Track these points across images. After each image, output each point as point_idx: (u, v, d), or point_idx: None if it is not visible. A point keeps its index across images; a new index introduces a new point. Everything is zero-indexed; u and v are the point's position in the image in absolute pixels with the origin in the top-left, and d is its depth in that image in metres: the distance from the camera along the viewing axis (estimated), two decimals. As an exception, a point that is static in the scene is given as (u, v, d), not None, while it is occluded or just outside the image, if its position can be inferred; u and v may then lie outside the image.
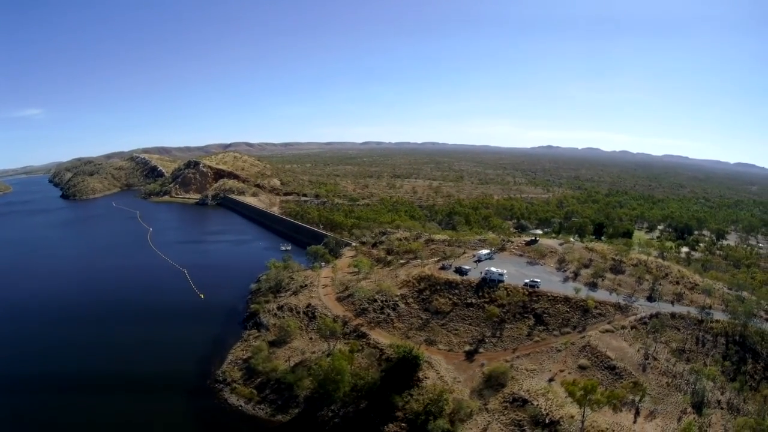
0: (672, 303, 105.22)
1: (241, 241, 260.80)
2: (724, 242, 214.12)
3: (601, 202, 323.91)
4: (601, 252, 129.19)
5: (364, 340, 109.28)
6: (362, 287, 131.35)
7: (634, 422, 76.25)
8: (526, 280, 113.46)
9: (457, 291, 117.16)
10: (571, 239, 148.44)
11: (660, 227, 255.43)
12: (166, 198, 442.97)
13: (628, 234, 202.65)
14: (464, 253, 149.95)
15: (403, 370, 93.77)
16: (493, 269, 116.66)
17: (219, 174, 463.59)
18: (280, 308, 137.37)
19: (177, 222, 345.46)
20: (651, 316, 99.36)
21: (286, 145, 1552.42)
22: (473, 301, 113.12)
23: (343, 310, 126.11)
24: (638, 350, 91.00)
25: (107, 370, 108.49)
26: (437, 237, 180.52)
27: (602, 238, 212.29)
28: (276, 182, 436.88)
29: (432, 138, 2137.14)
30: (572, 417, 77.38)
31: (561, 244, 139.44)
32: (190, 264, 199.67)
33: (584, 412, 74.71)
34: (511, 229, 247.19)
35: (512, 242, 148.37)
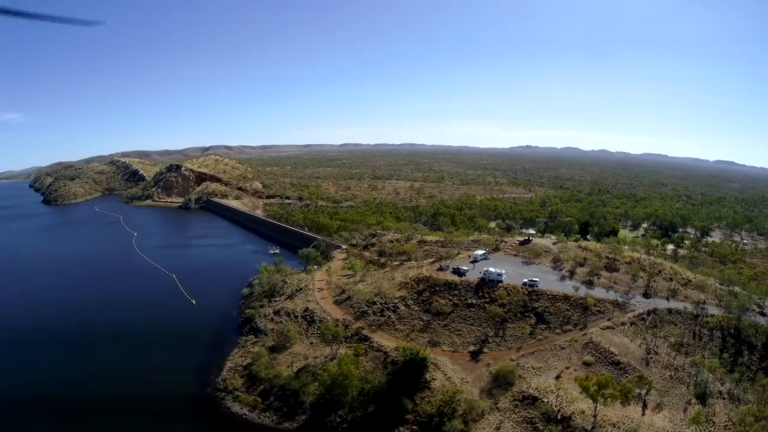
0: (667, 299, 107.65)
1: (228, 245, 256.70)
2: (709, 239, 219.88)
3: (584, 201, 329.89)
4: (594, 251, 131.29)
5: (367, 343, 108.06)
6: (360, 290, 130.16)
7: (643, 414, 77.53)
8: (525, 280, 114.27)
9: (456, 292, 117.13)
10: (565, 238, 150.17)
11: (644, 225, 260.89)
12: (149, 202, 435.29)
13: (613, 233, 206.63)
14: (458, 254, 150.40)
15: (410, 372, 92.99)
16: (492, 269, 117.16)
17: (201, 177, 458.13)
18: (276, 313, 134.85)
19: (161, 226, 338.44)
20: (649, 312, 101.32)
21: (264, 147, 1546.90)
22: (474, 301, 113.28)
23: (342, 313, 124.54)
24: (640, 345, 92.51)
25: (101, 382, 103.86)
26: (429, 238, 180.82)
27: (588, 237, 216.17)
28: (258, 185, 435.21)
29: (410, 139, 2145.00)
30: (583, 412, 78.20)
31: (555, 244, 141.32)
32: (178, 269, 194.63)
33: (597, 406, 75.33)
34: (497, 229, 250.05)
35: (506, 242, 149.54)
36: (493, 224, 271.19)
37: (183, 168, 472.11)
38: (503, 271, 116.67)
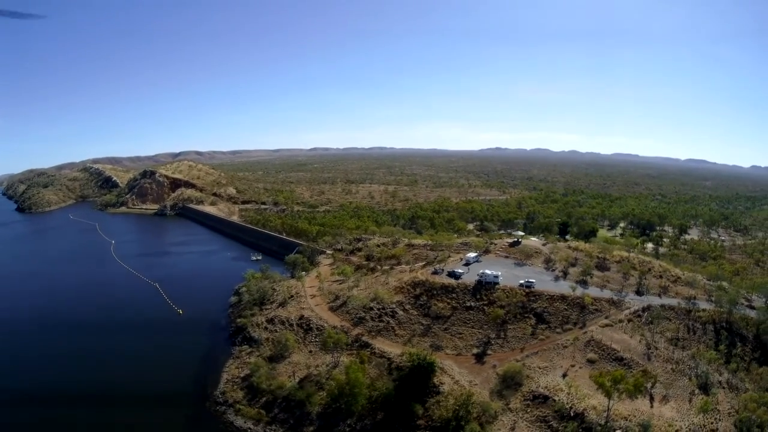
0: (659, 296, 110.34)
1: (208, 252, 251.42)
2: (687, 237, 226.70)
3: (560, 202, 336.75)
4: (584, 251, 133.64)
5: (368, 349, 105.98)
6: (356, 296, 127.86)
7: (651, 407, 79.24)
8: (521, 281, 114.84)
9: (454, 295, 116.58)
10: (556, 239, 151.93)
11: (622, 225, 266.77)
12: (123, 209, 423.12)
13: (593, 233, 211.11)
14: (449, 257, 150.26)
15: (418, 377, 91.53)
16: (488, 272, 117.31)
17: (175, 183, 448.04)
18: (270, 321, 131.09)
19: (138, 233, 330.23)
20: (644, 309, 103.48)
21: (234, 152, 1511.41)
22: (472, 304, 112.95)
23: (339, 320, 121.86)
24: (640, 341, 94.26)
25: (92, 395, 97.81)
26: (417, 242, 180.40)
27: (567, 237, 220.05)
28: (232, 191, 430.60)
29: (379, 143, 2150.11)
30: (594, 408, 79.01)
31: (544, 245, 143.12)
32: (160, 277, 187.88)
33: (610, 401, 76.46)
34: (475, 231, 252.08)
35: (495, 244, 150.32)
36: (470, 226, 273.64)
37: (157, 174, 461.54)
38: (499, 273, 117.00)
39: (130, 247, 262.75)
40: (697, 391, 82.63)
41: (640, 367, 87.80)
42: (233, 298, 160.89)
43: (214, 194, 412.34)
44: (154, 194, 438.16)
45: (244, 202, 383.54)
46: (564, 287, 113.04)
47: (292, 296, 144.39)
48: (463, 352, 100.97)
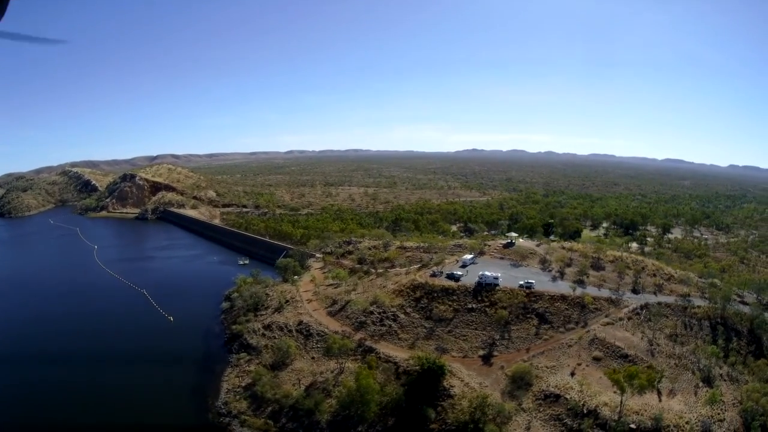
0: (655, 294, 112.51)
1: (193, 257, 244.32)
2: (671, 236, 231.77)
3: (541, 203, 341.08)
4: (579, 251, 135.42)
5: (373, 354, 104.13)
6: (356, 300, 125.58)
7: (660, 401, 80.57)
8: (521, 282, 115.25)
9: (455, 297, 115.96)
10: (549, 240, 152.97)
11: (604, 225, 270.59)
12: (104, 213, 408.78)
13: (577, 233, 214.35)
14: (444, 258, 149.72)
15: (428, 381, 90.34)
16: (488, 273, 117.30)
17: (155, 187, 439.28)
18: (267, 327, 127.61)
19: (120, 238, 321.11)
20: (642, 307, 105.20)
21: (211, 156, 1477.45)
22: (474, 305, 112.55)
23: (339, 325, 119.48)
24: (642, 338, 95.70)
25: (87, 412, 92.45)
26: (409, 244, 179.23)
27: (552, 237, 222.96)
28: (212, 194, 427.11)
29: (356, 145, 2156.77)
30: (606, 404, 79.88)
31: (539, 245, 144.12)
32: (147, 283, 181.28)
33: (623, 396, 77.92)
34: (459, 232, 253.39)
35: (489, 245, 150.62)
36: (454, 228, 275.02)
37: (137, 178, 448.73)
38: (499, 275, 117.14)
39: (113, 252, 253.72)
40: (701, 384, 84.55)
41: (645, 363, 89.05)
42: (225, 304, 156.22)
43: (195, 197, 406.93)
44: (134, 198, 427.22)
45: (224, 206, 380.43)
46: (563, 287, 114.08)
47: (287, 301, 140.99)
48: (469, 354, 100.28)
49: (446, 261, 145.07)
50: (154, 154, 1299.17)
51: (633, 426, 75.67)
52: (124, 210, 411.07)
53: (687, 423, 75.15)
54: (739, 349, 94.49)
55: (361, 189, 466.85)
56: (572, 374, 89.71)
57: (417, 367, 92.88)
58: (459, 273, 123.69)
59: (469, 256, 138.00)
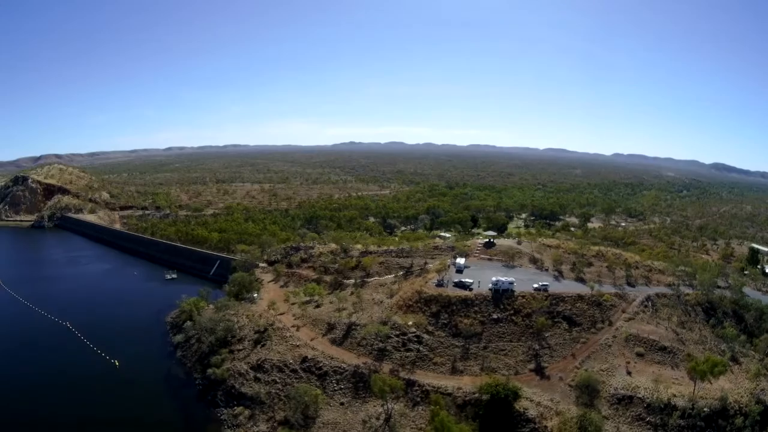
0: (647, 285, 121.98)
1: (108, 272, 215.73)
2: (590, 225, 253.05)
3: (448, 195, 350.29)
4: (563, 248, 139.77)
5: (417, 388, 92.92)
6: (365, 323, 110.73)
7: (711, 383, 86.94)
8: (535, 285, 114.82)
9: (476, 308, 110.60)
10: (524, 235, 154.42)
11: (523, 216, 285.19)
12: None
13: (504, 227, 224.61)
14: (426, 263, 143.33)
15: (500, 409, 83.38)
16: (502, 278, 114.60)
17: (49, 190, 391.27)
18: (258, 368, 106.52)
19: (19, 252, 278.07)
20: (646, 299, 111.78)
21: (93, 155, 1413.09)
22: (498, 315, 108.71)
23: (354, 356, 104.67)
24: (666, 329, 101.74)
25: None
26: (373, 248, 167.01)
27: (476, 231, 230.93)
28: (106, 195, 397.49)
29: (234, 140, 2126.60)
30: (675, 395, 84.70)
31: (519, 243, 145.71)
32: (67, 311, 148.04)
33: (695, 386, 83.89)
34: (424, 230, 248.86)
35: (469, 246, 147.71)
36: (370, 222, 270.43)
37: (30, 180, 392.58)
38: (513, 279, 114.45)
39: (15, 270, 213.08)
40: (730, 363, 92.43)
41: (683, 352, 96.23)
42: (178, 337, 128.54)
43: (91, 200, 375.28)
44: (27, 203, 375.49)
45: (122, 208, 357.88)
46: (572, 287, 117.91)
47: (265, 329, 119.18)
48: (520, 370, 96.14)
49: (432, 266, 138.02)
50: (38, 155, 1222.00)
51: (707, 410, 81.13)
52: (18, 217, 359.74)
53: (742, 397, 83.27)
54: (733, 329, 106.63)
55: (256, 185, 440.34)
56: (629, 373, 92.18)
57: (486, 396, 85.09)
58: (469, 280, 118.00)
59: (461, 260, 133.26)
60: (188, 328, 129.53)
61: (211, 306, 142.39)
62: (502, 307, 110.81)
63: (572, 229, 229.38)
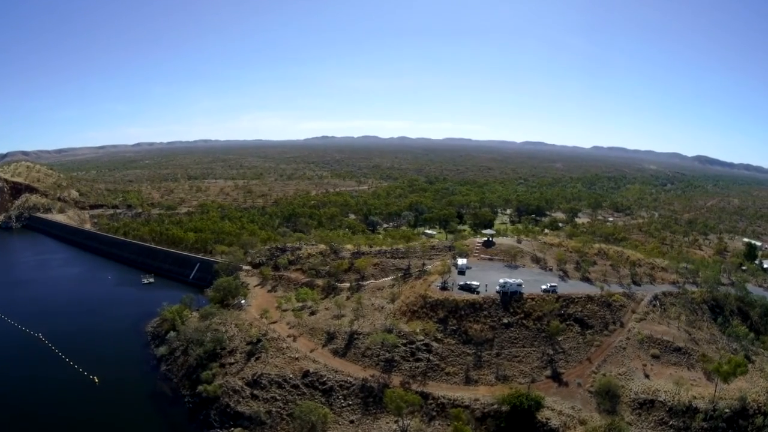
0: (651, 283, 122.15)
1: (80, 276, 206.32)
2: (578, 220, 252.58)
3: (429, 191, 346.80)
4: (564, 246, 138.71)
5: (431, 401, 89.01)
6: (372, 333, 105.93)
7: (727, 383, 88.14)
8: (543, 286, 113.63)
9: (485, 312, 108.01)
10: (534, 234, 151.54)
11: (508, 211, 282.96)
12: None
13: (491, 223, 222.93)
14: (424, 264, 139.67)
15: (522, 420, 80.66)
16: (510, 280, 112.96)
17: (16, 188, 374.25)
18: (254, 384, 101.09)
19: None
20: (654, 298, 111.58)
21: (60, 151, 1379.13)
22: (509, 320, 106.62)
23: (360, 368, 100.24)
24: (678, 329, 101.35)
25: None
26: (365, 248, 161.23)
27: (463, 227, 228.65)
28: (75, 194, 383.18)
29: (203, 135, 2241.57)
30: (695, 397, 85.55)
31: (519, 242, 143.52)
32: (38, 321, 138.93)
33: (716, 387, 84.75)
34: (367, 228, 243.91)
35: (468, 245, 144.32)
36: (352, 219, 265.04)
37: None
38: (522, 281, 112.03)
39: None
40: (744, 360, 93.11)
41: (697, 353, 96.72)
42: (161, 349, 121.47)
43: (60, 199, 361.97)
44: None
45: (92, 207, 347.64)
46: (580, 287, 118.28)
47: (258, 340, 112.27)
48: (536, 378, 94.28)
49: (432, 268, 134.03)
50: (4, 152, 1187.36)
51: (727, 411, 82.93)
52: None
53: (760, 396, 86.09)
54: (743, 327, 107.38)
55: (230, 182, 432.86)
56: (646, 376, 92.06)
57: (506, 407, 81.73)
58: (475, 283, 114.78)
59: (463, 261, 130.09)
60: (172, 339, 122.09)
61: (195, 314, 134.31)
62: (512, 310, 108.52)
63: (560, 224, 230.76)
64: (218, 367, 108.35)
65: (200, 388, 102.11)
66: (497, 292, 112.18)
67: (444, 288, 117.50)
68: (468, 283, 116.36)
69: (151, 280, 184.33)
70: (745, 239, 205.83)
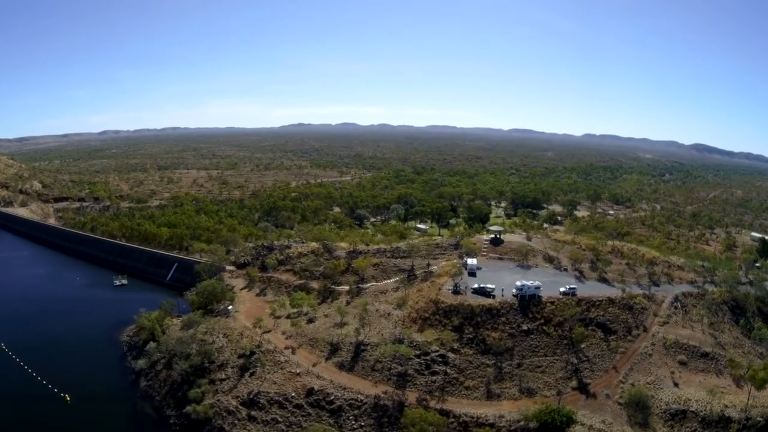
0: (669, 283, 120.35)
1: (46, 276, 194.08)
2: (577, 213, 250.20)
3: (417, 182, 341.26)
4: (575, 243, 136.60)
5: (453, 419, 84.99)
6: (381, 344, 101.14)
7: (759, 390, 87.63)
8: (562, 289, 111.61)
9: (503, 318, 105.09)
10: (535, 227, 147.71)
11: (502, 204, 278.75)
12: None
13: (486, 217, 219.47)
14: (429, 264, 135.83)
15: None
16: (528, 283, 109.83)
17: None
18: (251, 403, 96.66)
19: None
20: (675, 300, 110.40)
21: (21, 140, 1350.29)
22: (529, 326, 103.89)
23: (370, 384, 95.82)
24: (703, 332, 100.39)
25: None
26: (362, 247, 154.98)
27: (457, 221, 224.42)
28: (38, 185, 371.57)
29: (172, 123, 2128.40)
30: (727, 406, 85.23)
31: (529, 239, 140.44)
32: (1, 328, 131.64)
33: (750, 395, 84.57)
34: (352, 221, 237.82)
35: (474, 243, 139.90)
36: (337, 213, 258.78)
37: None
38: (540, 284, 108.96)
39: None
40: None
41: (724, 358, 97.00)
42: (140, 362, 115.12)
43: (22, 191, 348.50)
44: None
45: (56, 200, 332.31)
46: (598, 288, 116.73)
47: (252, 353, 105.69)
48: (562, 389, 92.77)
49: (438, 268, 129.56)
50: None
51: (760, 419, 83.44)
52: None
53: None
54: (760, 328, 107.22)
55: (203, 172, 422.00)
56: (676, 384, 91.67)
57: (534, 423, 78.34)
58: (490, 286, 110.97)
59: (473, 261, 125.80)
60: (152, 350, 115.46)
61: (177, 321, 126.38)
62: (531, 316, 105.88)
63: (559, 218, 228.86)
64: (207, 384, 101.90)
65: (188, 408, 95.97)
66: (514, 295, 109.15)
67: (456, 292, 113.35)
68: (482, 286, 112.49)
69: (125, 281, 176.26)
70: (754, 233, 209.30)
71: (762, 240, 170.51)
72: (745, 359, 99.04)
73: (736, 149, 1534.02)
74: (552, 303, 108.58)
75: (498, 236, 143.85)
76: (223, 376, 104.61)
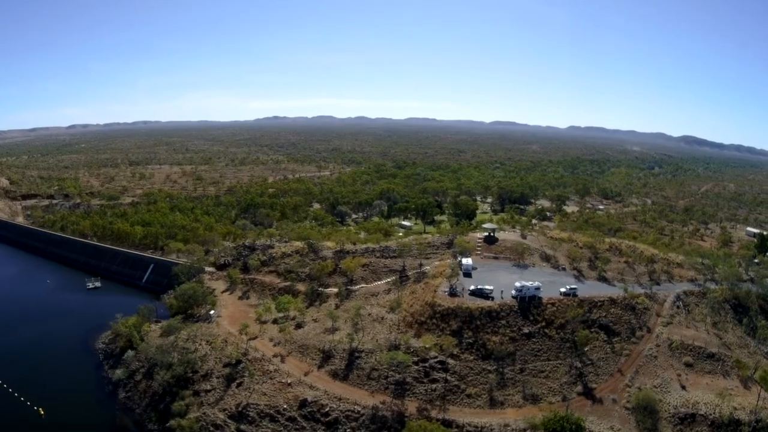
0: (670, 281, 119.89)
1: (14, 278, 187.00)
2: (566, 208, 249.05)
3: (399, 177, 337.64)
4: (572, 241, 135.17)
5: (456, 430, 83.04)
6: (377, 351, 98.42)
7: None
8: (562, 289, 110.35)
9: (503, 321, 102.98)
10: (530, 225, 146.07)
11: (488, 199, 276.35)
12: None
13: (473, 213, 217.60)
14: (421, 264, 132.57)
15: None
16: (527, 283, 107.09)
17: None
18: (240, 417, 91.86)
19: None
20: (677, 299, 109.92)
21: None
22: (530, 329, 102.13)
23: (366, 393, 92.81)
24: (708, 333, 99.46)
25: None
26: (348, 246, 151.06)
27: (443, 218, 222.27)
28: (4, 182, 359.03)
29: (143, 116, 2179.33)
30: (736, 408, 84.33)
31: (524, 237, 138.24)
32: None
33: (759, 398, 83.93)
34: (334, 219, 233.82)
35: (467, 241, 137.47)
36: (318, 209, 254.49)
37: None
38: (540, 284, 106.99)
39: None
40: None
41: (731, 358, 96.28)
42: (118, 372, 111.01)
43: None
44: None
45: (25, 197, 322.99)
46: (598, 288, 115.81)
47: (238, 361, 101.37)
48: (567, 395, 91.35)
49: (431, 269, 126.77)
50: None
51: None
52: None
53: None
54: (765, 327, 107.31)
55: (176, 168, 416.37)
56: (683, 387, 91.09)
57: (544, 432, 76.30)
58: (489, 287, 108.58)
59: (468, 261, 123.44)
60: (130, 359, 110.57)
61: (156, 327, 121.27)
62: (531, 318, 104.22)
63: (548, 214, 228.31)
64: (192, 396, 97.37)
65: (172, 422, 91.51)
66: (513, 297, 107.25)
67: (453, 294, 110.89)
68: (480, 287, 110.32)
69: (98, 284, 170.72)
70: (749, 228, 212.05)
71: (760, 235, 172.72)
72: (752, 359, 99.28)
73: (726, 141, 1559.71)
74: (553, 304, 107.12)
75: (492, 234, 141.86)
76: (208, 387, 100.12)
